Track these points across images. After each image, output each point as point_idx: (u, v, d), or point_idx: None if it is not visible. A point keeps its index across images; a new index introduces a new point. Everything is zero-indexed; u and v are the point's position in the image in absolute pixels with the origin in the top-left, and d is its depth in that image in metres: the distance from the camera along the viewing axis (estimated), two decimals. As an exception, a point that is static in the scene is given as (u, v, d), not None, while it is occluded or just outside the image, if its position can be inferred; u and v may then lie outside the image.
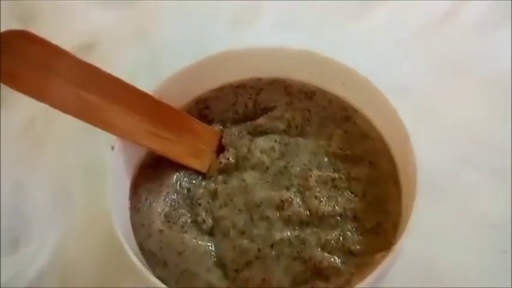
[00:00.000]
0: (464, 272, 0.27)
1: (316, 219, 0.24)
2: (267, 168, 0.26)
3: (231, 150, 0.27)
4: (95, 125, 0.23)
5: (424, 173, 0.27)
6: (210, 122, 0.28)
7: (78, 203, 0.31)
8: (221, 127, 0.28)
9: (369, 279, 0.20)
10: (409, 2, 0.38)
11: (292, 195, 0.25)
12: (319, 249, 0.23)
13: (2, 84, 0.21)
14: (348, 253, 0.23)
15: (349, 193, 0.25)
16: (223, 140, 0.28)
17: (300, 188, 0.25)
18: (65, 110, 0.22)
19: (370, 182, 0.25)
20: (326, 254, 0.23)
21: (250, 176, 0.26)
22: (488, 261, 0.27)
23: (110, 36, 0.37)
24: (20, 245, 0.29)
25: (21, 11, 0.37)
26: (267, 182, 0.25)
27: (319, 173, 0.25)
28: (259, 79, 0.28)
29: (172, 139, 0.26)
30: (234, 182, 0.26)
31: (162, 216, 0.25)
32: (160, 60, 0.35)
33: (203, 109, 0.28)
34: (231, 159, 0.27)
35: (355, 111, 0.27)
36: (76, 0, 0.38)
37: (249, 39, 0.35)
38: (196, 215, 0.25)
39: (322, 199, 0.24)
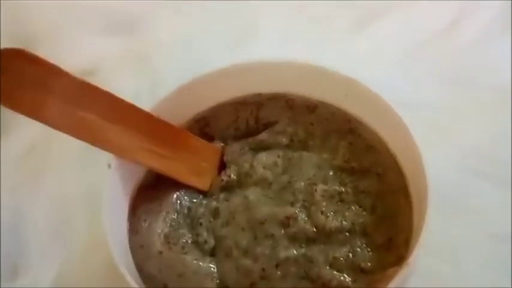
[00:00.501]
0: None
1: (324, 236, 0.23)
2: (270, 184, 0.25)
3: (233, 167, 0.26)
4: (92, 144, 0.23)
5: (433, 185, 0.27)
6: (211, 139, 0.28)
7: (79, 229, 0.30)
8: (222, 144, 0.27)
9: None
10: (411, 14, 0.38)
11: (297, 211, 0.24)
12: (328, 267, 0.22)
13: (2, 109, 0.21)
14: (358, 270, 0.22)
15: (357, 207, 0.24)
16: (225, 157, 0.27)
17: (305, 204, 0.24)
18: (62, 129, 0.22)
19: (379, 195, 0.24)
20: (335, 273, 0.22)
21: (253, 193, 0.25)
22: (500, 275, 0.26)
23: (110, 63, 0.37)
24: (19, 272, 0.29)
25: (22, 38, 0.37)
26: (271, 198, 0.24)
27: (325, 187, 0.24)
28: (260, 94, 0.28)
29: (172, 157, 0.25)
30: (236, 199, 0.25)
31: (162, 237, 0.24)
32: (162, 85, 0.35)
33: (204, 127, 0.28)
34: (232, 176, 0.26)
35: (360, 122, 0.26)
36: (77, 28, 0.39)
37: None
38: (198, 235, 0.24)
39: (328, 214, 0.23)
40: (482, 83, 0.34)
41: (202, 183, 0.26)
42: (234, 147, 0.27)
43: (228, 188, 0.26)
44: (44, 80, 0.21)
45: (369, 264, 0.22)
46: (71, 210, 0.31)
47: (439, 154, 0.29)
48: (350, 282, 0.21)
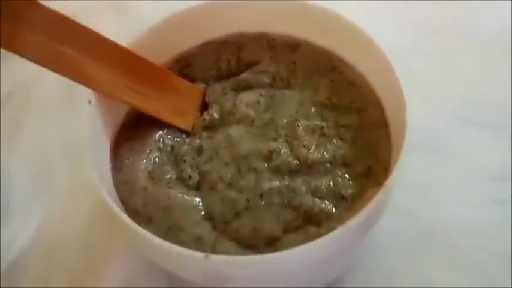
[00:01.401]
0: (464, 225, 0.27)
1: (306, 168, 0.23)
2: (253, 121, 0.25)
3: (215, 106, 0.26)
4: (70, 78, 0.22)
5: (419, 132, 0.27)
6: (192, 80, 0.27)
7: (60, 176, 0.30)
8: (204, 85, 0.27)
9: (361, 216, 0.19)
10: None
11: (279, 146, 0.24)
12: (310, 195, 0.22)
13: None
14: (339, 198, 0.22)
15: (338, 140, 0.24)
16: (207, 98, 0.27)
17: (288, 138, 0.24)
18: (39, 61, 0.21)
19: (359, 128, 0.25)
20: (317, 200, 0.22)
21: (235, 130, 0.25)
22: (488, 212, 0.27)
23: (87, 7, 0.36)
24: (1, 222, 0.28)
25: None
26: (254, 134, 0.25)
27: (307, 122, 0.25)
28: (242, 34, 0.28)
29: (153, 95, 0.25)
30: (219, 136, 0.25)
31: (146, 173, 0.24)
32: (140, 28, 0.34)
33: (184, 67, 0.28)
34: (215, 115, 0.26)
35: (341, 60, 0.27)
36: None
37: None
38: (182, 171, 0.24)
39: (310, 147, 0.24)
40: (469, 33, 0.34)
41: (185, 123, 0.26)
42: (216, 88, 0.27)
43: (210, 127, 0.26)
44: (21, 12, 0.21)
45: (349, 191, 0.23)
46: (51, 158, 0.30)
47: (425, 100, 0.30)
48: (331, 208, 0.22)
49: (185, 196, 0.23)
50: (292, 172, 0.23)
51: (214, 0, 0.27)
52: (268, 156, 0.24)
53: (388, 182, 0.20)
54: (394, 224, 0.26)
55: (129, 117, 0.26)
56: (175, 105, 0.26)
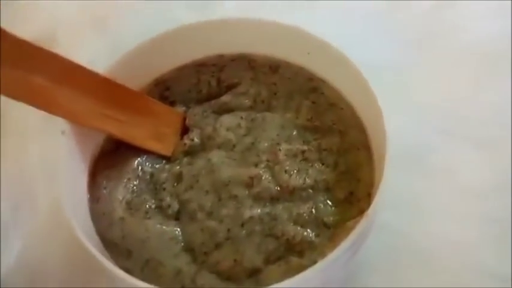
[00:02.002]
0: (452, 242, 0.26)
1: (287, 194, 0.23)
2: (234, 145, 0.25)
3: (196, 130, 0.26)
4: (42, 109, 0.21)
5: (398, 144, 0.27)
6: (172, 103, 0.27)
7: (41, 200, 0.29)
8: (184, 108, 0.27)
9: (342, 247, 0.19)
10: None
11: (261, 172, 0.23)
12: (292, 223, 0.22)
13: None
14: (321, 225, 0.22)
15: (320, 165, 0.24)
16: (187, 121, 0.26)
17: (269, 164, 0.24)
18: (10, 95, 0.21)
19: (341, 151, 0.24)
20: (299, 228, 0.22)
21: (216, 155, 0.24)
22: (476, 229, 0.27)
23: (67, 27, 0.35)
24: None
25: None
26: (234, 159, 0.24)
27: (288, 146, 0.24)
28: (222, 56, 0.27)
29: (130, 122, 0.24)
30: (199, 162, 0.24)
31: (124, 203, 0.23)
32: (120, 48, 0.34)
33: (164, 91, 0.27)
34: (195, 139, 0.25)
35: (322, 81, 0.26)
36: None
37: (216, 14, 0.34)
38: (161, 200, 0.24)
39: (292, 173, 0.23)
40: (445, 45, 0.34)
41: (164, 149, 0.25)
42: (196, 111, 0.26)
43: (191, 152, 0.25)
44: None
45: (331, 218, 0.22)
46: (32, 181, 0.30)
47: (404, 114, 0.30)
48: (313, 237, 0.22)
49: (164, 227, 0.22)
50: (274, 199, 0.23)
51: (192, 23, 0.26)
52: (249, 183, 0.23)
53: (370, 212, 0.19)
54: (381, 242, 0.26)
55: (108, 142, 0.25)
56: (154, 131, 0.25)
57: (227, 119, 0.25)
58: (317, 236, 0.22)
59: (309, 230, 0.22)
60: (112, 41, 0.34)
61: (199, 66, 0.27)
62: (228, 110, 0.26)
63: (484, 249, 0.26)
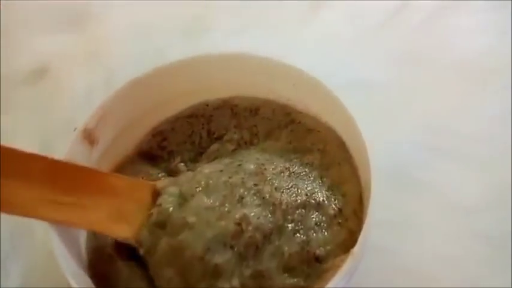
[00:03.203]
0: (444, 260, 0.26)
1: (281, 217, 0.22)
2: (214, 187, 0.23)
3: (166, 201, 0.23)
4: None
5: (388, 161, 0.27)
6: (169, 153, 0.27)
7: (39, 240, 0.29)
8: (179, 159, 0.27)
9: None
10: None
11: (245, 211, 0.22)
12: (281, 272, 0.21)
13: None
14: (313, 261, 0.22)
15: (308, 178, 0.24)
16: (159, 188, 0.24)
17: (258, 187, 0.23)
18: None
19: (324, 166, 0.25)
20: (288, 279, 0.21)
21: (194, 213, 0.22)
22: (467, 246, 0.27)
23: (62, 61, 0.36)
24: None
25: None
26: (215, 209, 0.22)
27: (272, 165, 0.24)
28: (207, 105, 0.28)
29: (85, 205, 0.22)
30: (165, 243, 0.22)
31: None
32: (115, 81, 0.34)
33: (162, 141, 0.28)
34: (163, 212, 0.23)
35: (299, 112, 0.27)
36: (24, 27, 0.38)
37: (204, 48, 0.35)
38: None
39: (283, 190, 0.23)
40: (433, 61, 0.34)
41: (128, 229, 0.22)
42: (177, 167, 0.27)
43: (159, 224, 0.23)
44: None
45: (323, 249, 0.22)
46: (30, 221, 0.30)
47: (393, 131, 0.31)
48: (302, 281, 0.21)
49: None
50: (266, 239, 0.22)
51: (172, 62, 0.27)
52: (237, 231, 0.21)
53: (356, 250, 0.20)
54: (370, 261, 0.25)
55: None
56: (115, 210, 0.22)
57: (207, 169, 0.24)
58: (307, 277, 0.21)
59: (298, 278, 0.21)
60: (105, 76, 0.35)
61: (190, 118, 0.28)
62: (213, 158, 0.27)
63: (475, 266, 0.26)
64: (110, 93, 0.26)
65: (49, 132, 0.33)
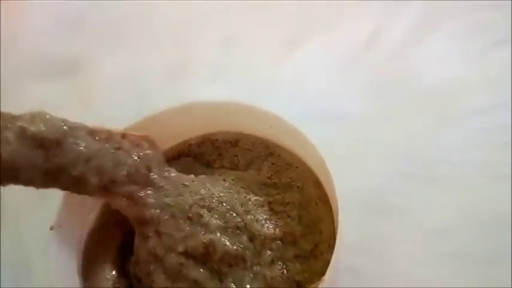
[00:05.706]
0: (416, 283, 0.28)
1: (259, 246, 0.24)
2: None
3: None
4: None
5: (364, 190, 0.28)
6: None
7: (38, 274, 0.31)
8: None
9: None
10: (332, 34, 0.39)
11: (236, 247, 0.23)
12: None
13: None
14: (294, 285, 0.24)
15: (286, 216, 0.25)
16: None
17: (243, 216, 0.24)
18: None
19: (303, 205, 0.26)
20: None
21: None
22: (441, 270, 0.28)
23: (53, 109, 0.38)
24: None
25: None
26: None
27: (256, 196, 0.26)
28: (190, 145, 0.30)
29: None
30: None
31: None
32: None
33: None
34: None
35: (278, 146, 0.29)
36: (14, 76, 0.39)
37: (187, 91, 0.37)
38: None
39: (263, 222, 0.25)
40: (403, 90, 0.36)
41: None
42: None
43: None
44: None
45: (301, 276, 0.24)
46: (29, 253, 0.32)
47: (366, 160, 0.32)
48: None
49: None
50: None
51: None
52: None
53: (326, 278, 0.22)
54: (346, 285, 0.27)
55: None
56: None
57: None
58: None
59: None
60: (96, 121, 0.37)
61: (178, 159, 0.30)
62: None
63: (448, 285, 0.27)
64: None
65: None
